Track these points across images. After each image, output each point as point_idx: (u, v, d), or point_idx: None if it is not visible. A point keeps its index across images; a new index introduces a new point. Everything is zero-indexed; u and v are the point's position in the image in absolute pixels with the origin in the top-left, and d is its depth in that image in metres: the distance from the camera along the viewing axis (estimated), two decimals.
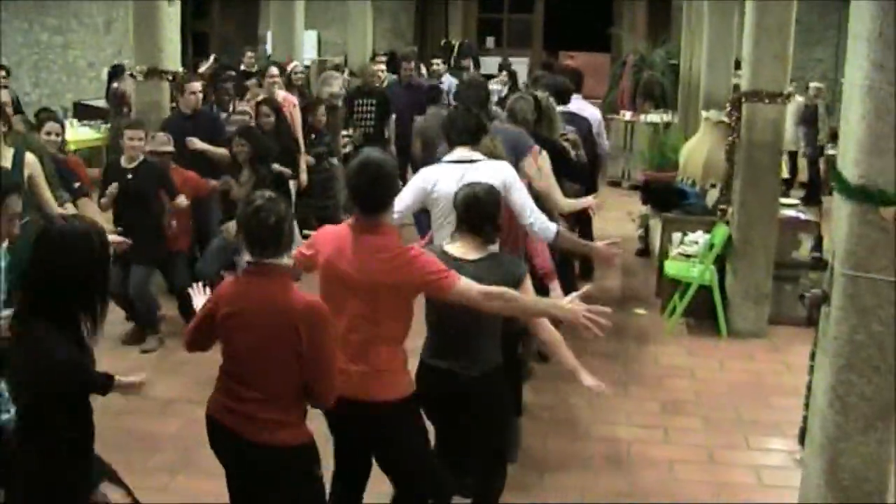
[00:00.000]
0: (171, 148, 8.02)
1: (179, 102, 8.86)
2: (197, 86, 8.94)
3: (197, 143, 8.54)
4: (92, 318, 3.49)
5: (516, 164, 5.90)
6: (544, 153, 6.44)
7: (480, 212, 4.57)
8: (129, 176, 7.53)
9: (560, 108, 7.99)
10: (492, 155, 5.58)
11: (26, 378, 3.39)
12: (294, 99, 10.09)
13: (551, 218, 5.87)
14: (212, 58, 14.32)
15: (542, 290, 5.61)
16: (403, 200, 5.25)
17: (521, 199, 5.47)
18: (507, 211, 5.47)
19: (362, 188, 4.17)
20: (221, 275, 8.63)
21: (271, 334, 3.80)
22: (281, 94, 9.93)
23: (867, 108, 4.57)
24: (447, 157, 5.54)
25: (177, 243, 8.12)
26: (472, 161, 5.43)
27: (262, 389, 3.86)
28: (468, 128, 5.52)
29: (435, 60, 13.56)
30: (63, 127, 7.98)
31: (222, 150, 8.56)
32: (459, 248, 4.59)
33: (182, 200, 7.80)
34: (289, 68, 11.77)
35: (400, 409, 4.25)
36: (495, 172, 5.33)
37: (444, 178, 5.34)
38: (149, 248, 7.48)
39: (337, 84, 10.78)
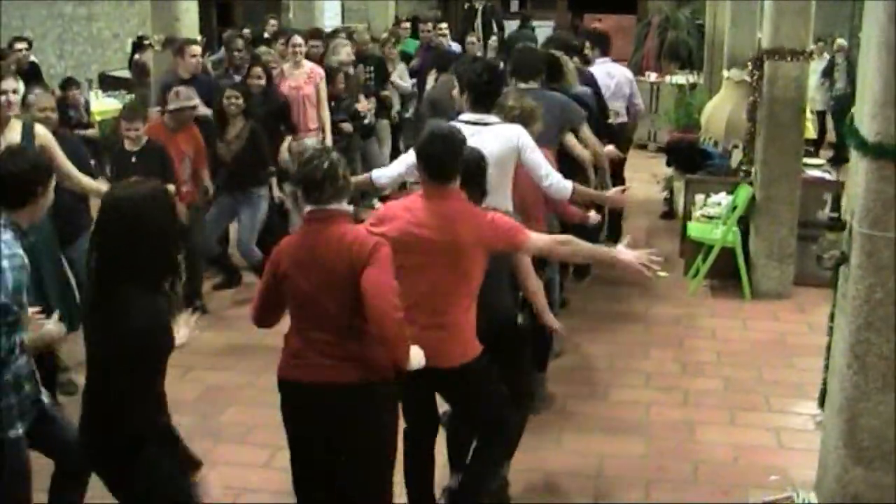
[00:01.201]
0: (196, 101, 7.85)
1: (179, 66, 8.63)
2: (197, 49, 8.73)
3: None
4: (172, 279, 3.60)
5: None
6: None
7: (472, 169, 4.65)
8: (134, 160, 7.30)
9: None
10: (527, 114, 5.75)
11: (111, 341, 3.38)
12: (320, 70, 9.81)
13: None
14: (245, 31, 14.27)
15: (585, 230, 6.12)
16: (409, 157, 5.39)
17: (536, 159, 5.54)
18: (524, 175, 5.51)
19: (435, 156, 4.34)
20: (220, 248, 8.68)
21: (339, 272, 3.85)
22: (308, 65, 9.71)
23: (883, 62, 4.49)
24: (461, 117, 5.59)
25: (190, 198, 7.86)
26: (485, 123, 5.48)
27: (336, 330, 3.92)
28: (483, 94, 5.57)
29: (469, 39, 13.27)
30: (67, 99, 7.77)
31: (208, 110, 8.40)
32: None
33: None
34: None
35: (478, 366, 4.43)
36: (509, 133, 5.36)
37: None
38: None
39: (345, 52, 10.65)
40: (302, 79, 9.52)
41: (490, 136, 5.32)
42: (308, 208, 3.96)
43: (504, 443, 4.71)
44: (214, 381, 6.72)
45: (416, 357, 3.95)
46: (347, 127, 9.98)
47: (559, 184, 5.60)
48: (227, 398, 6.42)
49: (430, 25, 12.78)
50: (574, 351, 7.09)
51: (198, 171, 7.89)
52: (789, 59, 7.96)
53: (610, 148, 7.35)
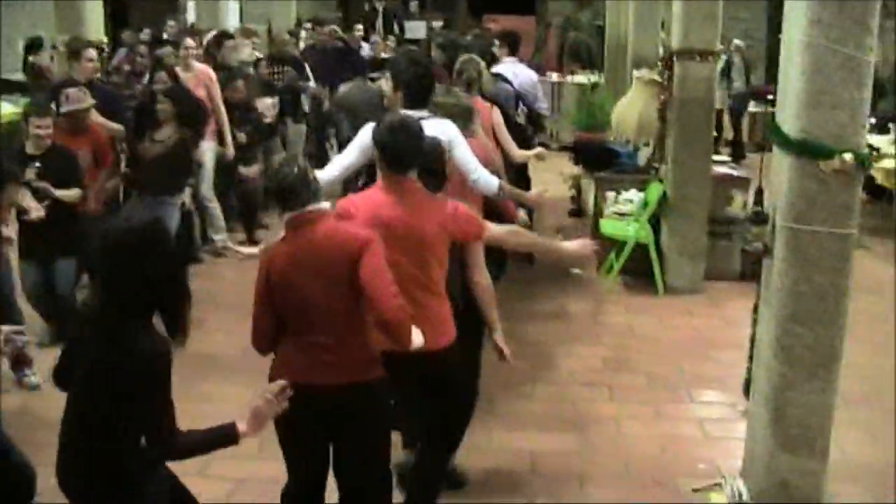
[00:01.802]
0: (90, 102, 7.54)
1: (74, 70, 8.34)
2: (93, 53, 8.42)
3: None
4: (173, 313, 3.40)
5: None
6: (496, 108, 6.63)
7: (431, 159, 4.80)
8: (38, 164, 6.80)
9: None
10: (459, 108, 5.89)
11: (112, 371, 3.26)
12: (210, 72, 9.61)
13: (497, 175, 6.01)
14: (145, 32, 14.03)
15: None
16: (349, 156, 5.45)
17: (465, 155, 5.59)
18: (453, 169, 5.57)
19: (396, 147, 4.43)
20: None
21: (335, 269, 3.88)
22: (198, 66, 9.55)
23: (806, 63, 4.63)
24: None
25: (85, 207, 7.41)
26: (419, 119, 5.46)
27: (334, 331, 3.94)
28: (418, 91, 5.68)
29: (357, 27, 13.32)
30: None
31: (116, 126, 8.22)
32: None
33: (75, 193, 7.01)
34: (206, 39, 11.51)
35: (452, 352, 4.55)
36: (439, 128, 5.42)
37: None
38: (71, 239, 6.90)
39: (246, 51, 10.50)
40: (192, 82, 9.25)
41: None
42: (287, 216, 3.96)
43: (459, 430, 4.84)
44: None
45: (418, 338, 4.02)
46: (241, 137, 9.65)
47: (486, 180, 5.66)
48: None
49: (325, 28, 12.74)
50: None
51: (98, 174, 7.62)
52: (699, 59, 8.16)
53: (540, 150, 7.47)
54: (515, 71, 9.48)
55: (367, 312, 3.89)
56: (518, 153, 7.34)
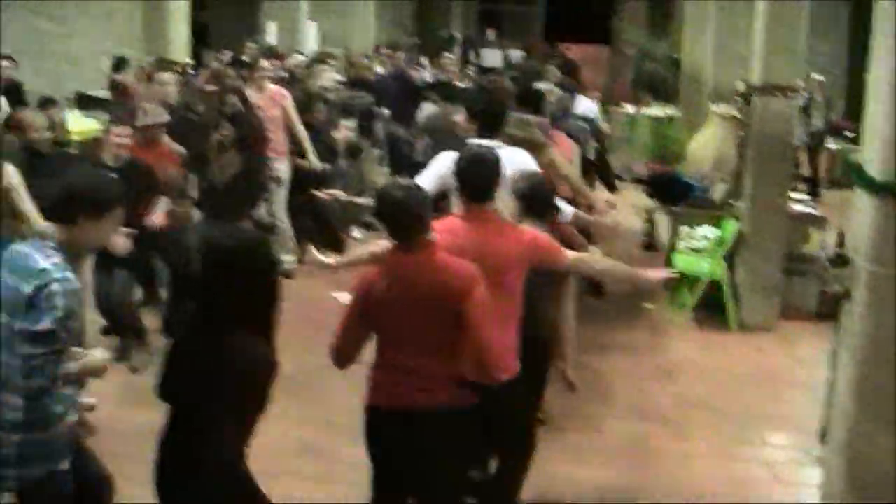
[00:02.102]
0: (166, 118, 7.63)
1: (148, 91, 8.41)
2: (167, 77, 8.46)
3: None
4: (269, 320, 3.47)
5: None
6: (571, 141, 6.63)
7: (539, 197, 5.02)
8: (115, 177, 6.93)
9: None
10: (528, 141, 5.91)
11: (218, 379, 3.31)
12: (286, 93, 9.62)
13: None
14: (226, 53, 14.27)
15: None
16: (426, 183, 5.27)
17: None
18: None
19: (477, 177, 4.50)
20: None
21: (439, 299, 3.95)
22: (272, 88, 9.53)
23: (892, 103, 4.56)
24: (470, 143, 5.59)
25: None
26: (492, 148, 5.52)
27: (431, 356, 4.00)
28: (492, 120, 5.73)
29: (448, 55, 13.34)
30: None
31: (180, 148, 8.03)
32: None
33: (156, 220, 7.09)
34: (288, 62, 11.63)
35: (511, 389, 4.51)
36: (516, 159, 5.46)
37: None
38: (133, 251, 6.86)
39: (327, 77, 10.57)
40: (266, 103, 9.29)
41: None
42: (395, 241, 4.02)
43: (524, 464, 4.85)
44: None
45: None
46: (316, 163, 9.64)
47: (560, 208, 5.67)
48: None
49: (399, 54, 12.85)
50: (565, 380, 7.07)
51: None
52: (779, 95, 8.07)
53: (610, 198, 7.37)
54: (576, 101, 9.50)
55: (465, 343, 3.95)
56: (589, 195, 7.16)
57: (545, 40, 19.94)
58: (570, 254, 4.75)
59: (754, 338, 8.29)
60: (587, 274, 5.38)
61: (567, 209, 5.79)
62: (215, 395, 3.29)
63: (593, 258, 5.06)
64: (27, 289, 3.51)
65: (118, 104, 12.46)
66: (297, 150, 9.44)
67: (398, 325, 4.02)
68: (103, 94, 14.70)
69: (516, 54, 19.05)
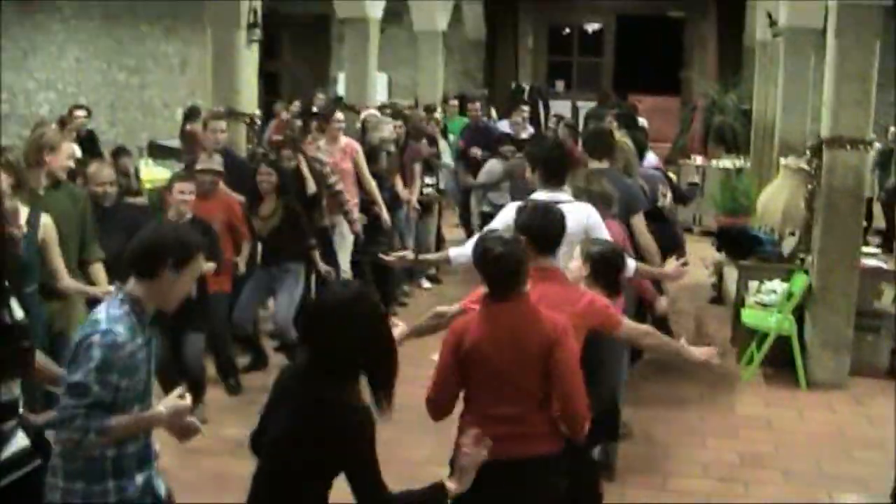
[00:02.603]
0: (219, 167, 7.62)
1: (201, 140, 8.37)
2: (222, 124, 8.33)
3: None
4: (383, 381, 3.49)
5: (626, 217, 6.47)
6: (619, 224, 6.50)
7: (611, 265, 5.01)
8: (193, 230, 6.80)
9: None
10: (600, 194, 6.03)
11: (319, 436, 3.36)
12: (356, 145, 9.68)
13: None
14: (296, 104, 14.46)
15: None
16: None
17: (603, 237, 5.61)
18: None
19: (542, 230, 4.55)
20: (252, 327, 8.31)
21: (533, 349, 4.02)
22: (343, 140, 9.58)
23: None
24: (535, 195, 5.78)
25: (219, 284, 7.45)
26: (558, 202, 5.47)
27: (528, 403, 4.06)
28: (555, 171, 5.87)
29: (524, 108, 13.38)
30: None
31: (237, 196, 8.07)
32: None
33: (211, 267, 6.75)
34: (363, 114, 11.66)
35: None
36: (578, 214, 5.53)
37: None
38: (201, 314, 6.98)
39: (387, 129, 10.57)
40: (338, 154, 9.38)
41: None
42: (492, 292, 4.08)
43: None
44: (224, 469, 6.29)
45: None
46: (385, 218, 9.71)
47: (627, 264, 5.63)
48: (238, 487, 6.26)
49: (477, 105, 12.89)
50: (630, 440, 6.98)
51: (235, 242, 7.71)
52: (849, 147, 7.95)
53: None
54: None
55: (554, 397, 4.02)
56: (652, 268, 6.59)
57: (615, 91, 19.90)
58: (629, 324, 4.76)
59: (824, 395, 8.10)
60: (637, 346, 5.29)
61: (631, 264, 5.72)
62: (309, 447, 3.37)
63: (648, 334, 4.93)
64: (77, 338, 3.55)
65: (188, 153, 12.72)
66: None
67: (492, 375, 4.06)
68: (175, 143, 15.00)
69: (586, 105, 19.06)
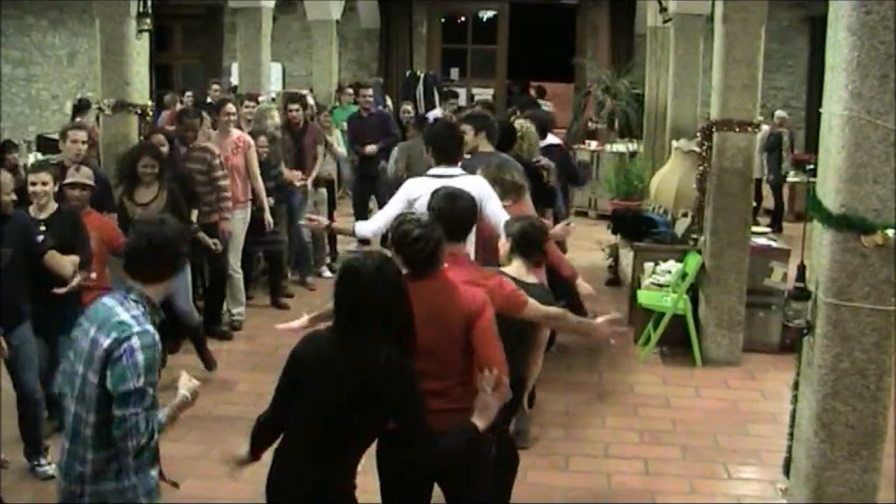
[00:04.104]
0: (91, 181, 6.96)
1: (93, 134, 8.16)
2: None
3: None
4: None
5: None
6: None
7: (532, 239, 5.18)
8: (43, 228, 6.29)
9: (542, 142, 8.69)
10: (511, 184, 6.31)
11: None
12: (248, 139, 9.42)
13: None
14: (188, 94, 14.26)
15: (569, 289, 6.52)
16: (389, 212, 5.87)
17: (495, 209, 5.89)
18: (484, 223, 5.69)
19: (453, 217, 4.58)
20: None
21: (455, 324, 4.16)
22: (235, 133, 9.33)
23: (846, 137, 4.62)
24: (430, 171, 6.10)
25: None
26: (451, 176, 5.89)
27: (453, 376, 4.19)
28: (447, 149, 6.14)
29: (406, 107, 13.52)
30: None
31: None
32: (516, 271, 5.12)
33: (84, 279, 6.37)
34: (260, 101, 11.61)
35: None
36: (472, 185, 5.63)
37: (426, 191, 5.52)
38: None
39: (276, 115, 10.56)
40: (230, 148, 9.13)
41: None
42: (408, 272, 4.11)
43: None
44: (165, 452, 6.44)
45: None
46: (270, 202, 9.57)
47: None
48: (181, 470, 6.22)
49: (369, 91, 12.85)
50: (530, 418, 7.06)
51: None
52: (738, 130, 8.13)
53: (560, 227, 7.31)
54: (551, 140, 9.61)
55: (476, 365, 4.11)
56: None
57: (509, 78, 20.05)
58: (535, 305, 4.79)
59: (719, 372, 8.29)
60: (545, 327, 5.29)
61: None
62: (364, 403, 3.61)
63: (554, 315, 4.96)
64: (105, 342, 3.58)
65: None
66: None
67: (423, 347, 4.03)
68: None
69: (481, 93, 19.18)
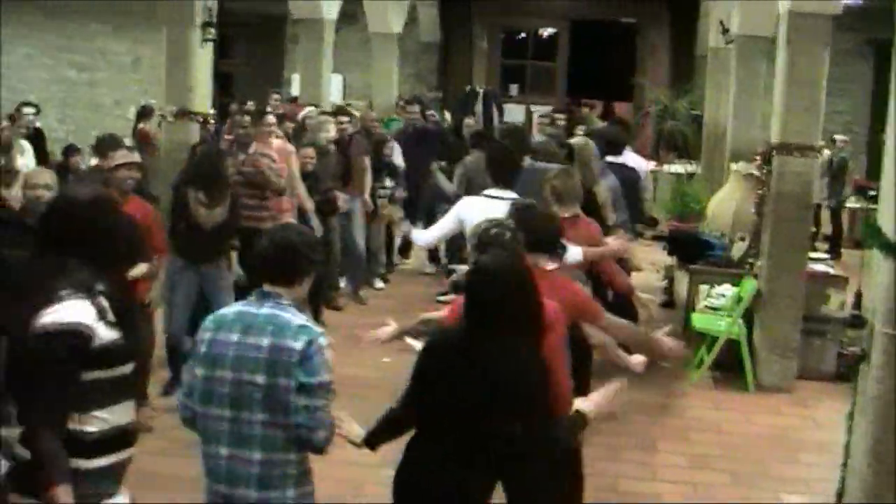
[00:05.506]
0: (138, 158, 6.93)
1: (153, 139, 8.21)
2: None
3: None
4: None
5: None
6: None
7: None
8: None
9: (611, 159, 8.59)
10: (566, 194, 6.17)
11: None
12: (289, 147, 9.41)
13: None
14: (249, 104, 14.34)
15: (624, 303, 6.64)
16: (444, 226, 6.47)
17: None
18: None
19: (532, 227, 4.75)
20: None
21: None
22: (276, 143, 9.23)
23: None
24: (485, 192, 6.30)
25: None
26: (504, 199, 5.98)
27: None
28: (501, 172, 6.32)
29: (468, 121, 13.46)
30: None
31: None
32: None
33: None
34: (301, 114, 11.55)
35: None
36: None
37: (476, 214, 5.79)
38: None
39: (332, 129, 10.41)
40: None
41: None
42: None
43: None
44: None
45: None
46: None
47: (570, 250, 5.73)
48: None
49: (416, 108, 12.90)
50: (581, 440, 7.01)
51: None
52: (798, 154, 8.05)
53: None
54: (630, 160, 9.57)
55: None
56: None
57: (568, 95, 20.01)
58: (611, 318, 4.95)
59: (771, 398, 8.19)
60: (614, 337, 5.34)
61: (576, 249, 5.84)
62: (509, 393, 3.70)
63: (617, 320, 5.08)
64: (299, 345, 3.59)
65: (140, 151, 12.60)
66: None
67: None
68: (127, 141, 14.84)
69: (540, 109, 19.15)
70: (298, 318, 3.68)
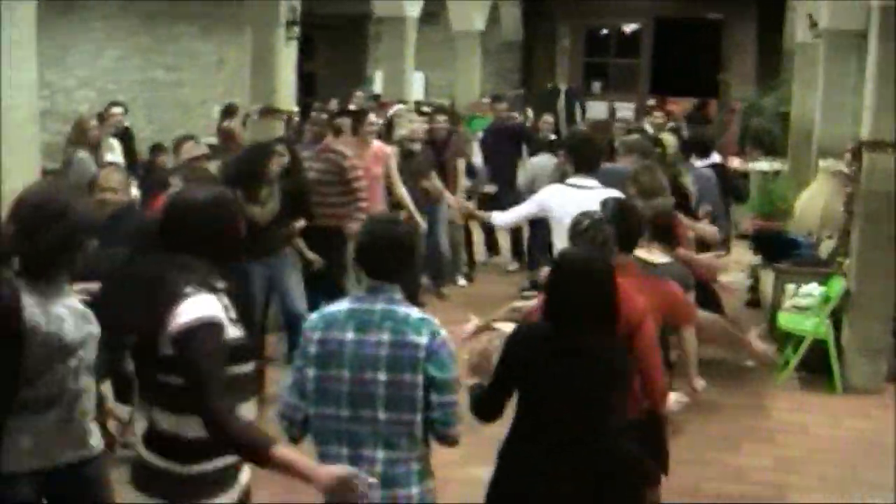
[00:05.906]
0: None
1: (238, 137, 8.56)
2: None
3: None
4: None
5: None
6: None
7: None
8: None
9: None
10: (653, 189, 6.20)
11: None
12: (388, 149, 9.42)
13: None
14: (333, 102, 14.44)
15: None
16: (523, 210, 6.75)
17: None
18: None
19: (624, 230, 4.73)
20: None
21: None
22: (375, 144, 9.28)
23: None
24: (568, 181, 6.42)
25: None
26: (588, 188, 6.16)
27: None
28: (585, 159, 6.40)
29: (547, 118, 13.33)
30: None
31: None
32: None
33: None
34: (390, 112, 11.55)
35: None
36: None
37: (560, 197, 6.24)
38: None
39: (412, 127, 10.32)
40: (370, 159, 9.04)
41: (593, 199, 5.46)
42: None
43: None
44: None
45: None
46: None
47: None
48: None
49: (504, 105, 12.90)
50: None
51: None
52: (889, 151, 7.86)
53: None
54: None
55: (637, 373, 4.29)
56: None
57: (652, 93, 19.81)
58: (702, 313, 5.07)
59: (860, 401, 8.01)
60: (707, 334, 5.32)
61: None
62: (606, 387, 3.88)
63: (716, 319, 5.25)
64: (424, 340, 3.57)
65: (224, 150, 12.77)
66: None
67: None
68: (212, 140, 15.06)
69: (622, 106, 18.99)
70: (415, 312, 3.65)
